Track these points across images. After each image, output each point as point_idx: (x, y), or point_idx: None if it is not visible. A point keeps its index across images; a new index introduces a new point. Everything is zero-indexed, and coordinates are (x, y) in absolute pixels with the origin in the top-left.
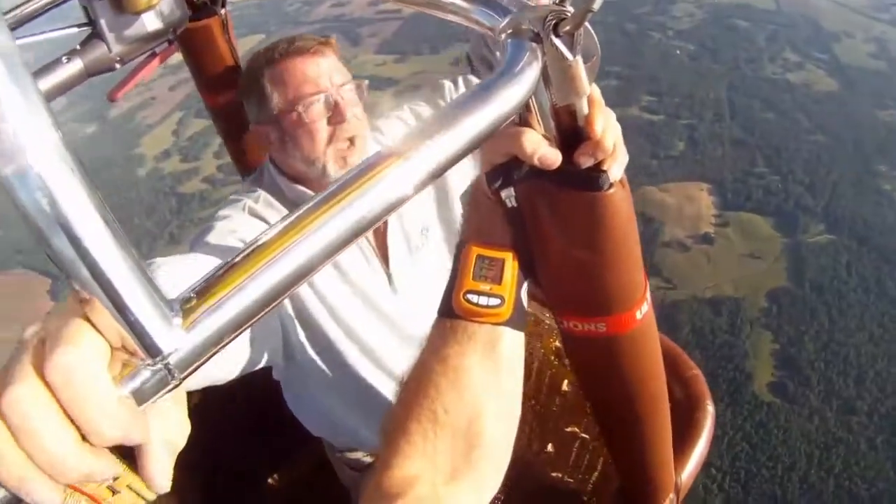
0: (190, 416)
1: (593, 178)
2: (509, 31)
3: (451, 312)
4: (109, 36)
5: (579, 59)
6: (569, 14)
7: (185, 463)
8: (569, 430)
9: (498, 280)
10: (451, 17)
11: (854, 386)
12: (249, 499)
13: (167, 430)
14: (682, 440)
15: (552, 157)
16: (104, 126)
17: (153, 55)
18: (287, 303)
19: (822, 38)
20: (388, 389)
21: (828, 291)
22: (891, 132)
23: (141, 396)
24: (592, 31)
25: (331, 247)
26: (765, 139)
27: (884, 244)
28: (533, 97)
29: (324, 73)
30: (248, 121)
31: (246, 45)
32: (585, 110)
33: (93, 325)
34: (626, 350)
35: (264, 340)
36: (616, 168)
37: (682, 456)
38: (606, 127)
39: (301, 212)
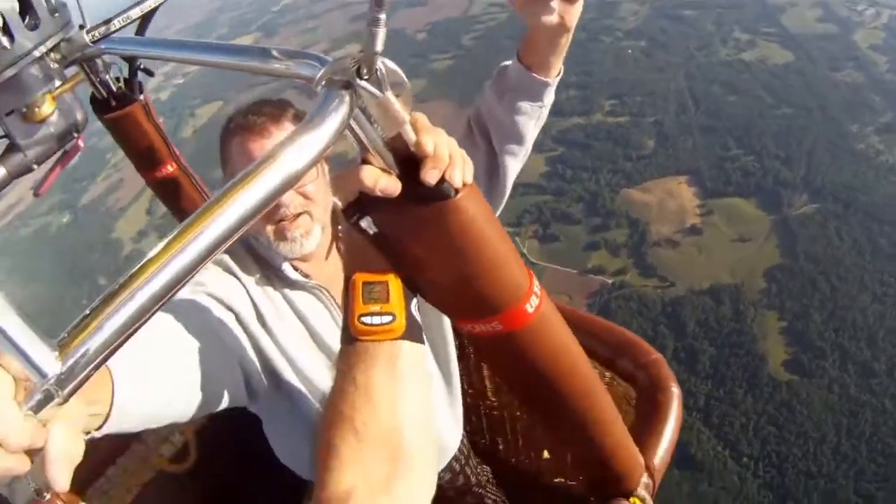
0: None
1: (438, 188)
2: (323, 83)
3: (351, 338)
4: (23, 144)
5: (389, 94)
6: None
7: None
8: (538, 420)
9: (386, 299)
10: (273, 74)
11: (867, 348)
12: None
13: (66, 445)
14: (649, 423)
15: (392, 185)
16: (78, 214)
17: (65, 153)
18: (249, 350)
19: (769, 12)
20: None
21: (823, 260)
22: (852, 91)
23: (36, 409)
24: (396, 68)
25: (168, 288)
26: (732, 121)
27: (869, 203)
28: (365, 137)
29: None
30: (188, 189)
31: (206, 114)
32: (413, 136)
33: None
34: (531, 343)
35: (220, 383)
36: (457, 174)
37: (650, 439)
38: (437, 143)
39: (141, 264)
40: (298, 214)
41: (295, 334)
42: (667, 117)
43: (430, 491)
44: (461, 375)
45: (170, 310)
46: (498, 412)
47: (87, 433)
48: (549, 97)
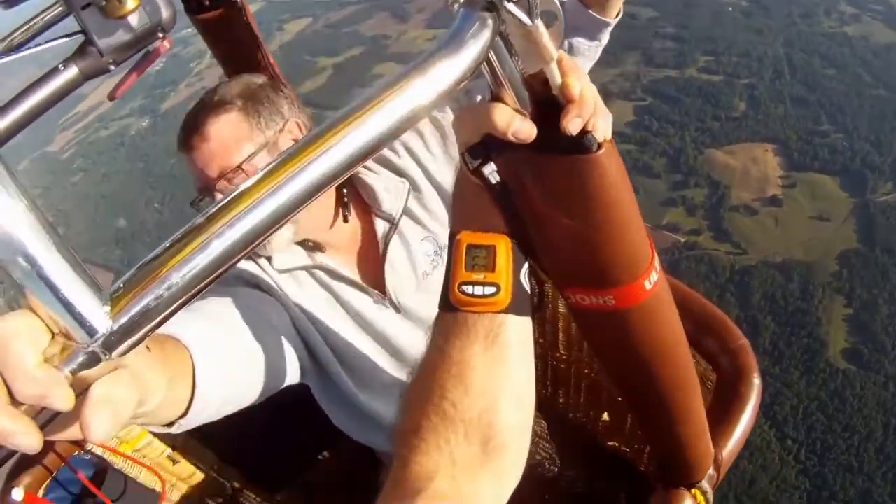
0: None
1: (580, 139)
2: (461, 2)
3: (450, 306)
4: (100, 42)
5: (539, 23)
6: None
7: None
8: (622, 399)
9: (491, 268)
10: None
11: None
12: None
13: (112, 396)
14: (726, 413)
15: (527, 129)
16: (158, 119)
17: (147, 54)
18: (292, 327)
19: None
20: (380, 403)
21: None
22: None
23: (77, 371)
24: None
25: (243, 242)
26: (826, 96)
27: None
28: (501, 70)
29: (212, 162)
30: None
31: (295, 28)
32: (557, 76)
33: (36, 314)
34: (639, 323)
35: (282, 361)
36: (602, 125)
37: (723, 430)
38: (584, 87)
39: (219, 205)
40: None
41: (323, 304)
42: (761, 82)
43: (515, 480)
44: (534, 325)
45: (210, 293)
46: (566, 366)
47: (171, 424)
48: (606, 37)
